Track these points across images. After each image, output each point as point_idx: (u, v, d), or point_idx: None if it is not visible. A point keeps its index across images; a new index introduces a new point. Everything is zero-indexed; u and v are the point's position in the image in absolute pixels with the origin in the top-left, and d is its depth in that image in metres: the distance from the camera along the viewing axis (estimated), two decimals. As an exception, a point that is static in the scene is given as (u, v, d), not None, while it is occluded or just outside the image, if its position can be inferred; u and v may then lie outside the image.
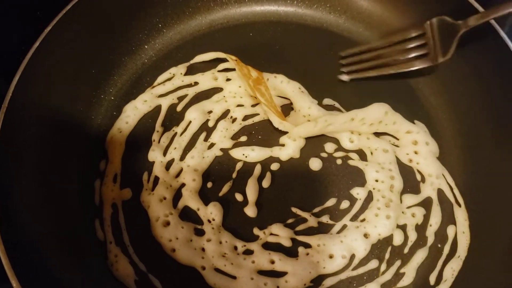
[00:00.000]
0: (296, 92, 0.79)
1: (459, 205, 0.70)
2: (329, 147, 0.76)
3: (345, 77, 0.81)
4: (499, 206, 0.67)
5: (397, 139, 0.76)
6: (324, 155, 0.75)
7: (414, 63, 0.77)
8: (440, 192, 0.72)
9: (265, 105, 0.74)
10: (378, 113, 0.74)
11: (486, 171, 0.70)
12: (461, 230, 0.68)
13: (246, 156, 0.74)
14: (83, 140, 0.75)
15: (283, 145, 0.75)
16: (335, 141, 0.76)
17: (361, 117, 0.73)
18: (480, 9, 0.70)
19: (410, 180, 0.73)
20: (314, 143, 0.76)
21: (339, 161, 0.74)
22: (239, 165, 0.74)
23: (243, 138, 0.76)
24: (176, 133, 0.76)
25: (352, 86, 0.81)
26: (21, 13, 0.91)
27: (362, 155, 0.75)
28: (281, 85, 0.80)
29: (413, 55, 0.77)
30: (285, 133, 0.76)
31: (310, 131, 0.74)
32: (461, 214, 0.70)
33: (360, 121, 0.73)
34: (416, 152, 0.74)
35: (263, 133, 0.77)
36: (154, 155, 0.74)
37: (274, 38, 0.86)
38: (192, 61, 0.82)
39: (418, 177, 0.73)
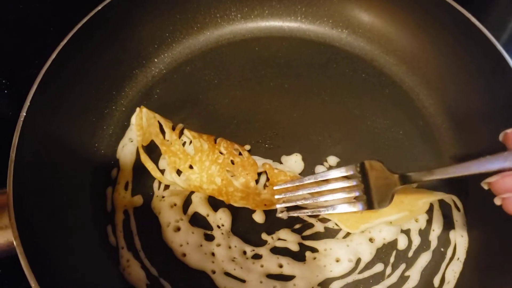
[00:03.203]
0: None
1: (458, 210, 0.72)
2: (332, 160, 0.78)
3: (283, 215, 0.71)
4: (496, 210, 0.69)
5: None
6: (327, 164, 0.78)
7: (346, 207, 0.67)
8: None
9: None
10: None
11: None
12: (459, 234, 0.71)
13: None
14: (95, 149, 0.78)
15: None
16: (338, 153, 0.79)
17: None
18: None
19: (412, 187, 0.75)
20: (317, 154, 0.78)
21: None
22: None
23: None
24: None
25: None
26: (35, 27, 0.94)
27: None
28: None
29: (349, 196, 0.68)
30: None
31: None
32: (460, 218, 0.72)
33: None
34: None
35: (271, 142, 0.79)
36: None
37: (279, 52, 0.89)
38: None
39: (420, 184, 0.76)
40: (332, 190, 0.68)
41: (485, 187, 0.54)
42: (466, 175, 0.56)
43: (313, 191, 0.69)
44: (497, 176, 0.53)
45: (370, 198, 0.65)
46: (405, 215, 0.69)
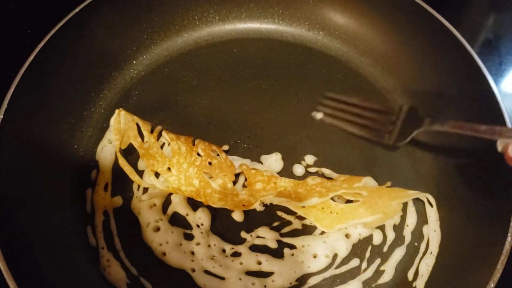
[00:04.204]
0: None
1: (431, 205, 0.75)
2: (309, 158, 0.80)
3: (319, 115, 0.83)
4: (468, 206, 0.72)
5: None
6: (304, 163, 0.79)
7: (371, 133, 0.80)
8: (414, 195, 0.76)
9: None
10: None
11: (456, 173, 0.75)
12: (432, 229, 0.73)
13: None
14: (75, 151, 0.78)
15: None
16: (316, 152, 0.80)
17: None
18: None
19: (386, 184, 0.77)
20: (294, 153, 0.80)
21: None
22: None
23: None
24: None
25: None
26: (12, 28, 0.94)
27: (341, 161, 0.79)
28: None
29: (379, 127, 0.80)
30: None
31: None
32: (433, 214, 0.74)
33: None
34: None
35: (249, 142, 0.81)
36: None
37: (257, 53, 0.91)
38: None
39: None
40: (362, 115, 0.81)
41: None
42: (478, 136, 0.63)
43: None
44: None
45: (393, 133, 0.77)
46: (379, 217, 0.72)
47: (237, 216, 0.73)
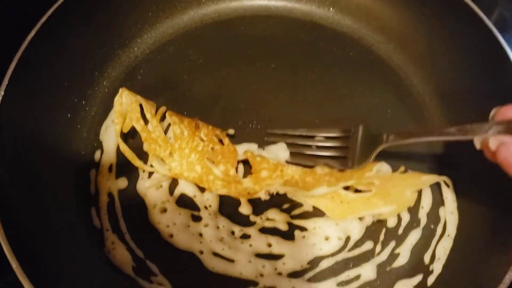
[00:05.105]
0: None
1: (448, 186, 0.72)
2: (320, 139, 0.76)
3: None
4: (485, 187, 0.69)
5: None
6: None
7: (330, 162, 0.73)
8: (430, 175, 0.73)
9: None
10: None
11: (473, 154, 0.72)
12: (449, 211, 0.70)
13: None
14: (78, 131, 0.76)
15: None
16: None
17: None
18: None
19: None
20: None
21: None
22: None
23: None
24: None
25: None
26: (13, 5, 0.91)
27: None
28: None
29: (332, 154, 0.73)
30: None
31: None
32: (449, 196, 0.71)
33: None
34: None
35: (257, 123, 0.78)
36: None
37: (265, 31, 0.88)
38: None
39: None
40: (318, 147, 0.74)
41: (478, 146, 0.57)
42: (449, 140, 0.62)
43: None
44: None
45: (353, 158, 0.71)
46: (393, 209, 0.69)
47: (244, 209, 0.70)
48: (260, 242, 0.67)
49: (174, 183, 0.72)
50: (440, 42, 0.80)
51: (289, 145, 0.75)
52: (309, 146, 0.74)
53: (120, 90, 0.75)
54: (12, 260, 0.55)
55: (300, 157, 0.74)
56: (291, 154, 0.74)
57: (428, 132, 0.65)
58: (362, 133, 0.71)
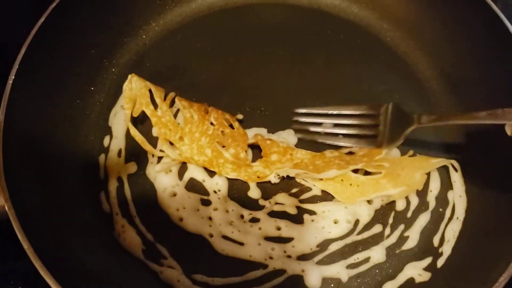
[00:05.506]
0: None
1: (456, 171, 0.72)
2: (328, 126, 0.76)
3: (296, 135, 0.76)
4: (493, 171, 0.69)
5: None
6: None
7: (360, 142, 0.73)
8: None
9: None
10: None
11: (481, 138, 0.72)
12: (458, 194, 0.70)
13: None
14: (87, 116, 0.76)
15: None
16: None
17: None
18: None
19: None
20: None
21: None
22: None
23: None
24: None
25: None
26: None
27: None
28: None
29: (361, 132, 0.73)
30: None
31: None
32: (458, 179, 0.71)
33: None
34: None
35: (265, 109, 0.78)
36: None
37: (272, 19, 0.88)
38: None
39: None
40: (347, 125, 0.73)
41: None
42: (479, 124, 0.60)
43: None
44: None
45: (382, 137, 0.70)
46: (403, 190, 0.69)
47: (253, 193, 0.71)
48: (269, 226, 0.68)
49: (183, 168, 0.72)
50: (447, 29, 0.80)
51: (314, 124, 0.75)
52: (337, 125, 0.75)
53: (130, 76, 0.75)
54: (24, 242, 0.56)
55: (326, 136, 0.75)
56: (316, 133, 0.75)
57: (459, 115, 0.65)
58: (392, 110, 0.71)
